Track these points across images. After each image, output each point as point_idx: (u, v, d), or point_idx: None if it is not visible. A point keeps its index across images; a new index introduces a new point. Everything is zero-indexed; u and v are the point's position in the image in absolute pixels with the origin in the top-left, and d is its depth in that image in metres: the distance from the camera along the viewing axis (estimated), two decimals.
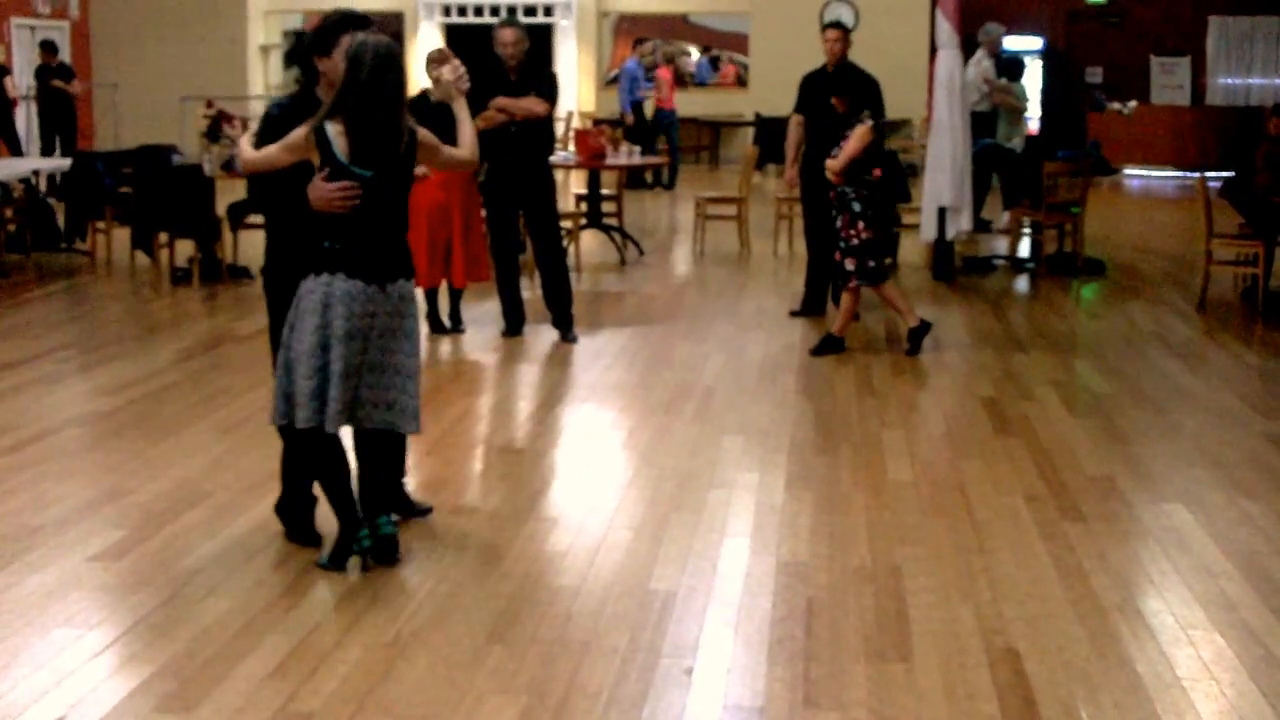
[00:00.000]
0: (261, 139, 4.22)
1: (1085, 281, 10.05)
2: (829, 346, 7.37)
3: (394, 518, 4.40)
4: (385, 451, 4.39)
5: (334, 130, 4.03)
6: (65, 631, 3.78)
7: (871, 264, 7.24)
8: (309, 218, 4.08)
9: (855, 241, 7.20)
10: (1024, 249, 11.05)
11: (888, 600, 4.04)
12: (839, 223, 7.26)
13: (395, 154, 4.10)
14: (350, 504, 4.22)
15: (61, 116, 15.73)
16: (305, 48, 4.33)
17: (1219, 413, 6.29)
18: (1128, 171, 18.07)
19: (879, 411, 6.26)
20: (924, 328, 7.43)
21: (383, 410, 4.20)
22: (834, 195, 7.29)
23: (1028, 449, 5.63)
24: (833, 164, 7.17)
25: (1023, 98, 11.84)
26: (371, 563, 4.23)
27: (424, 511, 4.74)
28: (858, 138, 7.11)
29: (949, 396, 6.68)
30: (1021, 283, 10.08)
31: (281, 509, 4.56)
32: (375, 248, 4.10)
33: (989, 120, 11.57)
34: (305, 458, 4.29)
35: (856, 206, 7.18)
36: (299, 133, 4.07)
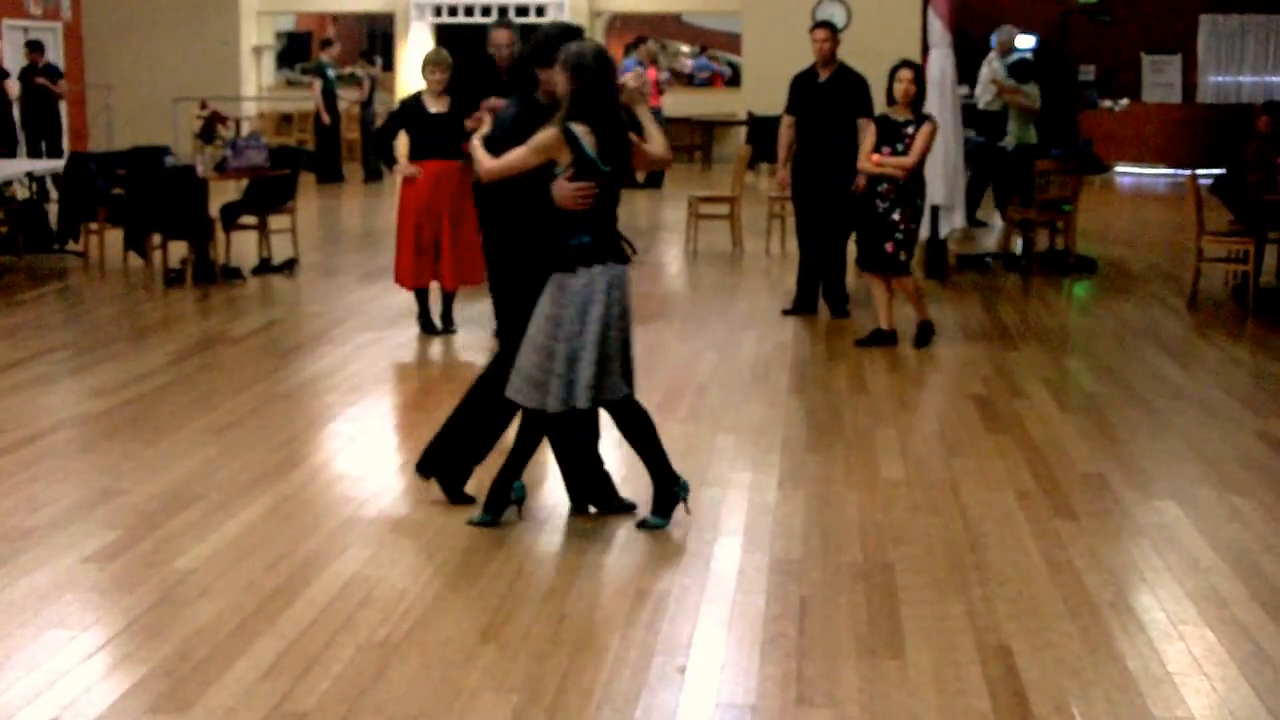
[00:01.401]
0: (500, 147, 4.48)
1: (1077, 279, 10.07)
2: (926, 334, 7.53)
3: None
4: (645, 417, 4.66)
5: (580, 130, 4.36)
6: (58, 633, 3.78)
7: (909, 256, 7.52)
8: (555, 216, 4.38)
9: (910, 236, 7.40)
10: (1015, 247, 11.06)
11: (880, 597, 4.05)
12: (896, 215, 7.33)
13: (628, 149, 4.48)
14: (664, 457, 4.58)
15: (46, 118, 15.63)
16: (526, 58, 4.66)
17: (1210, 409, 6.31)
18: (1119, 169, 18.10)
19: (871, 410, 6.28)
20: (889, 336, 7.52)
21: (624, 381, 4.53)
22: (891, 189, 7.33)
23: (1019, 446, 5.64)
24: (904, 161, 7.25)
25: (1034, 98, 11.87)
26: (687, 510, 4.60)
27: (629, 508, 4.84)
28: (925, 135, 7.27)
29: (941, 394, 6.70)
30: (1013, 280, 10.09)
31: (581, 486, 4.76)
32: (613, 234, 4.52)
33: (1000, 120, 11.63)
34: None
35: (919, 202, 7.39)
36: (549, 135, 4.37)
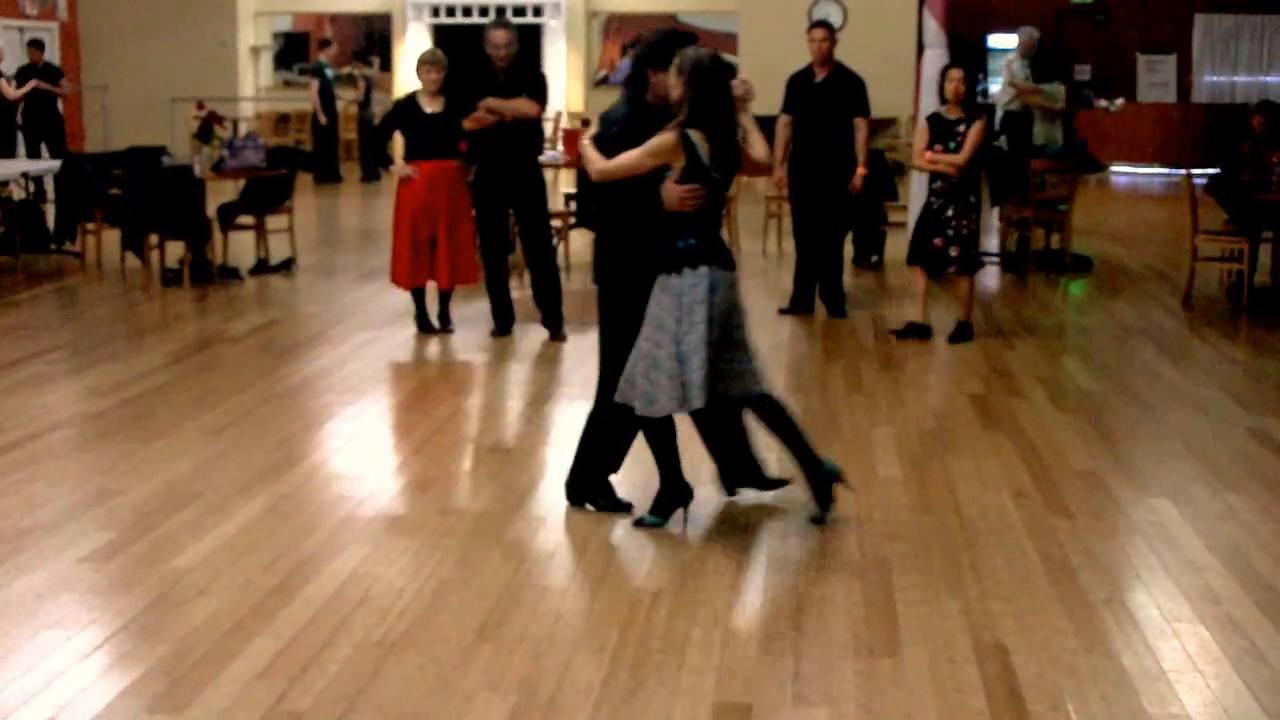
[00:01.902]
0: (609, 147, 4.52)
1: (1072, 278, 10.09)
2: (963, 334, 7.60)
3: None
4: (781, 411, 4.70)
5: (697, 137, 4.39)
6: (55, 633, 3.78)
7: (972, 254, 7.63)
8: (661, 218, 4.42)
9: (964, 232, 7.48)
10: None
11: (876, 596, 4.06)
12: (950, 212, 7.44)
13: (738, 156, 4.53)
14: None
15: (47, 119, 15.59)
16: (639, 60, 4.66)
17: (1205, 408, 6.33)
18: (1114, 169, 18.12)
19: (868, 409, 6.28)
20: (924, 329, 7.63)
21: (742, 381, 4.57)
22: (944, 185, 7.46)
23: (1015, 445, 5.65)
24: (955, 158, 7.38)
25: (1054, 98, 11.86)
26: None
27: (777, 484, 4.90)
28: (977, 133, 7.40)
29: (937, 393, 6.71)
30: (1009, 279, 10.10)
31: (589, 487, 4.76)
32: (719, 239, 4.55)
33: (1021, 120, 11.66)
34: (660, 432, 4.59)
35: (972, 199, 7.51)
36: (667, 139, 4.40)
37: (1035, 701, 3.40)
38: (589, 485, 4.81)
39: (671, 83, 4.43)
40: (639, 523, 4.63)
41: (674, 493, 4.62)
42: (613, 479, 4.85)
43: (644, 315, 4.47)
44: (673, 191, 4.41)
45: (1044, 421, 6.04)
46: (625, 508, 4.76)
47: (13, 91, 14.67)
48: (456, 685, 3.47)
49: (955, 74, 7.50)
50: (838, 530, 4.62)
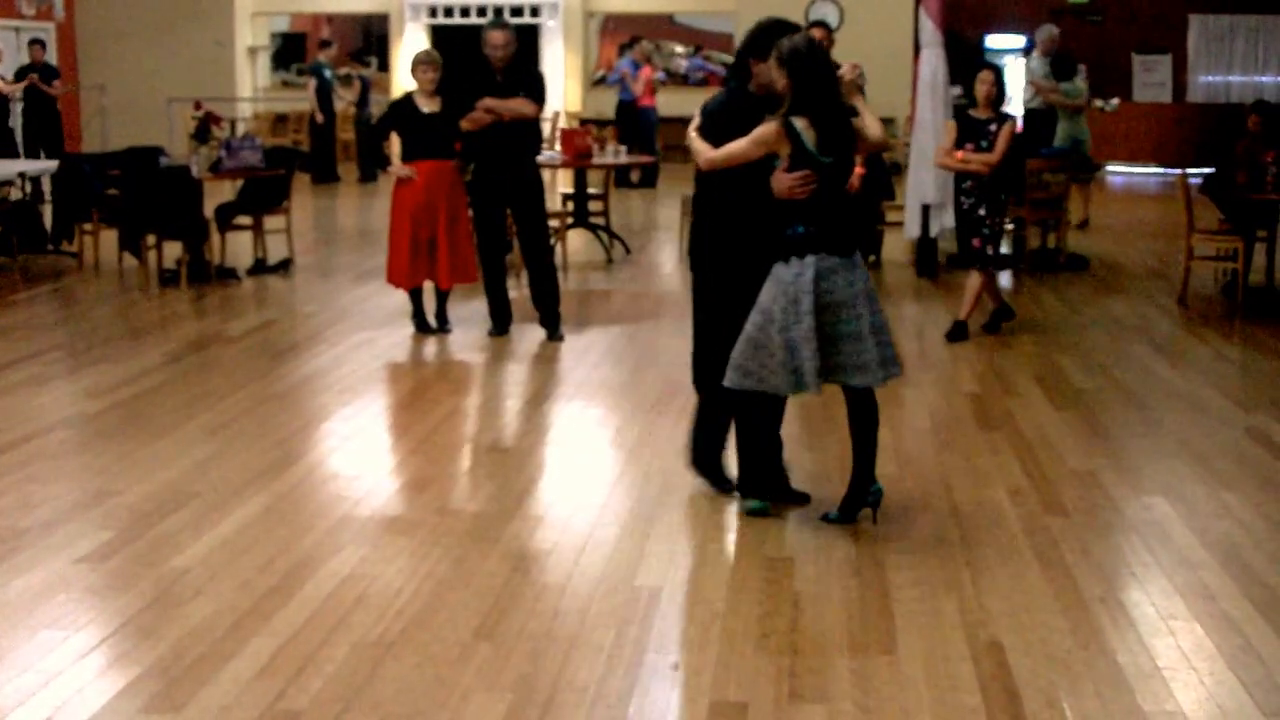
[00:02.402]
0: (706, 136, 4.58)
1: (1069, 277, 10.10)
2: (958, 333, 7.69)
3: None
4: (872, 413, 4.64)
5: (800, 124, 4.40)
6: (52, 633, 3.79)
7: (1001, 252, 7.85)
8: (775, 207, 4.45)
9: (998, 229, 7.64)
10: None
11: (872, 594, 4.07)
12: (982, 211, 7.56)
13: (851, 139, 4.51)
14: (873, 456, 4.66)
15: (44, 120, 15.57)
16: (742, 50, 4.71)
17: (1200, 406, 6.35)
18: (1110, 168, 18.14)
19: None
20: (1005, 312, 7.90)
21: (863, 373, 4.50)
22: (973, 185, 7.58)
23: (1011, 443, 5.67)
24: (988, 157, 7.50)
25: (1072, 95, 11.87)
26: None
27: (802, 499, 4.89)
28: (1009, 133, 7.54)
29: (933, 392, 6.72)
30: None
31: (750, 471, 4.78)
32: (839, 225, 4.50)
33: (1043, 118, 11.68)
34: (751, 417, 4.68)
35: (1003, 197, 7.66)
36: (769, 128, 4.43)
37: (1030, 699, 3.41)
38: (702, 459, 4.94)
39: (774, 75, 4.46)
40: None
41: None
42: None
43: (741, 302, 4.51)
44: (782, 180, 4.43)
45: (1040, 420, 6.06)
46: (729, 489, 4.86)
47: (7, 87, 14.67)
48: (454, 684, 3.48)
49: (986, 76, 7.61)
50: (834, 528, 4.63)
